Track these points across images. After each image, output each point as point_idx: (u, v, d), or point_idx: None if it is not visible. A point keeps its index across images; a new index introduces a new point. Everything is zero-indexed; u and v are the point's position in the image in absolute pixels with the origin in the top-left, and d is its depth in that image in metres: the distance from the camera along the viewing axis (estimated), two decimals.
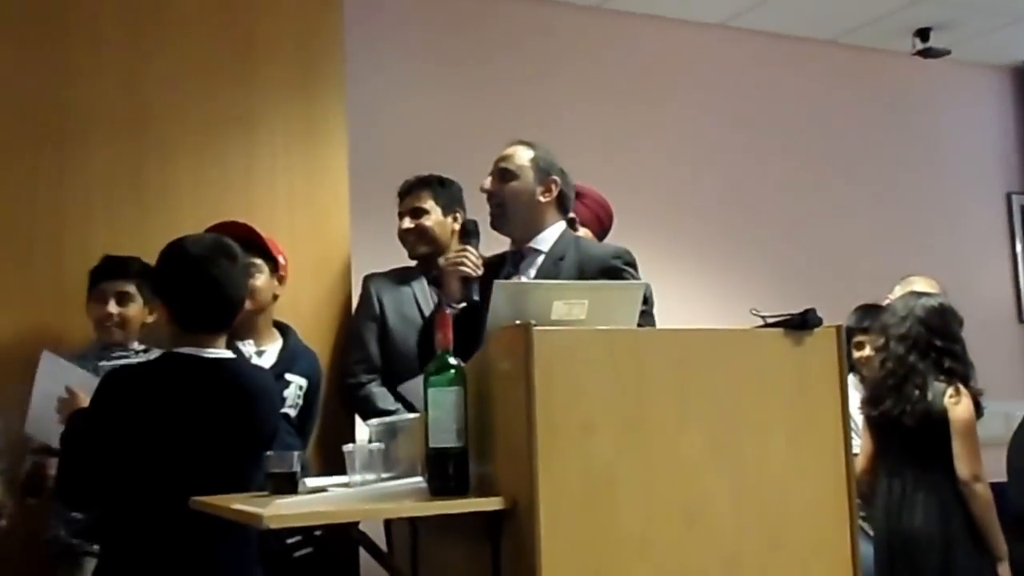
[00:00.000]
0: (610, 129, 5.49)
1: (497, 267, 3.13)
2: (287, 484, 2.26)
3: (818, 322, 2.33)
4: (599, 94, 5.52)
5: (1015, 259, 6.47)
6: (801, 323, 2.32)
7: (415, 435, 2.29)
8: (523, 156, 3.12)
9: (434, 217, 3.73)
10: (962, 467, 3.60)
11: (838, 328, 2.38)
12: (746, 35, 5.95)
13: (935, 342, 3.68)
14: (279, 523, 1.87)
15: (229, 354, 2.70)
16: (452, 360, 2.18)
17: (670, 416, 2.20)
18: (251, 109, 3.86)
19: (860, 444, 3.99)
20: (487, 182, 3.09)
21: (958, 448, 3.60)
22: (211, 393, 2.58)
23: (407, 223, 3.74)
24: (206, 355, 2.61)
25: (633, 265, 3.07)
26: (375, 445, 2.28)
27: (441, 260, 2.85)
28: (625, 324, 2.36)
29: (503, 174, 3.10)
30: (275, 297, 3.63)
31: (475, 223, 3.13)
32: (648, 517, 2.15)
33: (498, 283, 2.36)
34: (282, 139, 3.91)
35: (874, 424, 3.82)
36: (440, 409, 2.14)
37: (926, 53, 6.15)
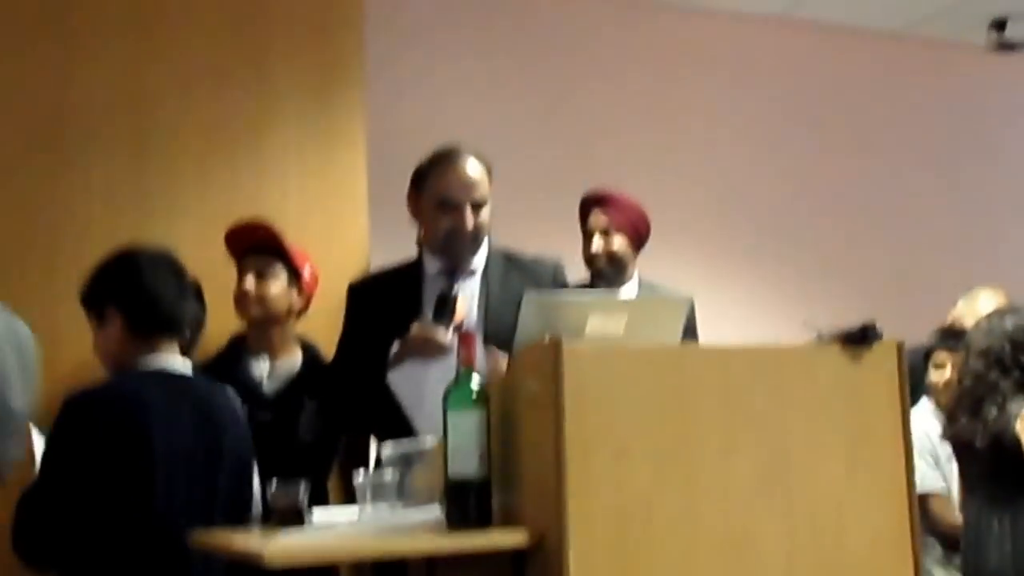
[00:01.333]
0: (655, 129, 5.45)
1: (399, 284, 3.13)
2: (293, 517, 2.23)
3: (878, 337, 2.29)
4: (643, 93, 5.48)
5: None
6: (860, 338, 2.28)
7: (433, 462, 2.26)
8: (487, 179, 3.10)
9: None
10: None
11: (899, 344, 2.33)
12: (806, 26, 5.88)
13: (1020, 359, 3.61)
14: (281, 563, 1.84)
15: (188, 368, 2.71)
16: (475, 380, 2.14)
17: (714, 441, 2.16)
18: (264, 111, 3.89)
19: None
20: (470, 222, 3.04)
21: None
22: (183, 414, 2.58)
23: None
24: (173, 370, 2.62)
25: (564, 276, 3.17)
26: (388, 473, 2.24)
27: (415, 337, 2.88)
28: (667, 341, 2.33)
29: (479, 206, 3.07)
30: (296, 312, 3.62)
31: (454, 298, 3.02)
32: (689, 553, 2.10)
33: (528, 296, 2.34)
34: (295, 142, 3.93)
35: (953, 449, 3.75)
36: (460, 435, 2.10)
37: (1002, 46, 6.02)
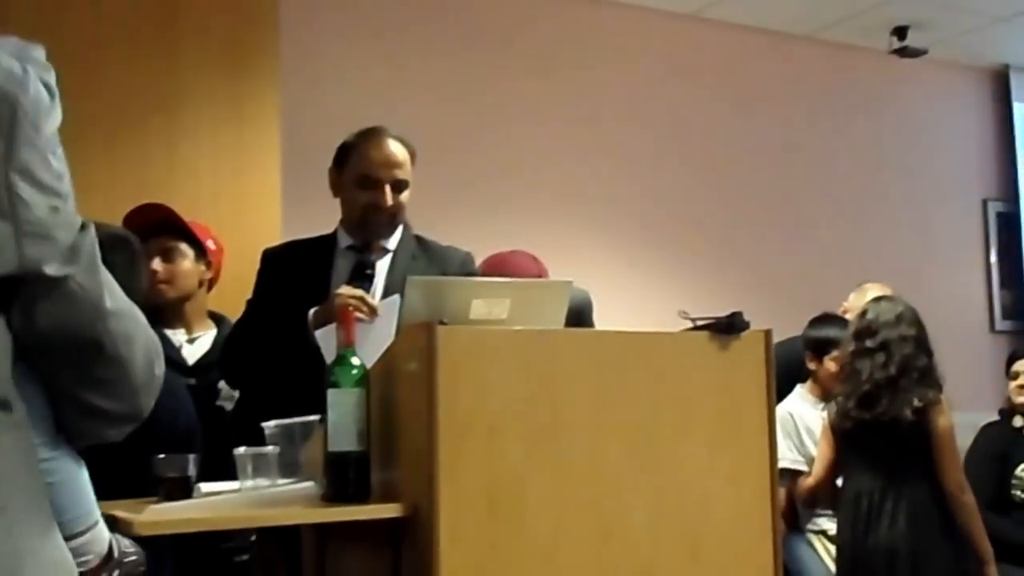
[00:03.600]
0: (573, 120, 5.46)
1: (311, 255, 3.10)
2: (179, 489, 2.20)
3: (745, 326, 2.32)
4: (563, 82, 5.49)
5: (988, 266, 6.48)
6: (727, 327, 2.31)
7: (316, 439, 2.25)
8: (409, 163, 3.09)
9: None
10: (949, 478, 3.61)
11: (767, 332, 2.36)
12: (716, 27, 5.93)
13: (929, 347, 3.69)
14: (150, 530, 1.84)
15: None
16: (355, 360, 2.14)
17: (586, 421, 2.18)
18: (175, 86, 3.84)
19: (817, 453, 4.00)
20: (389, 199, 3.04)
21: (945, 459, 3.60)
22: None
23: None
24: None
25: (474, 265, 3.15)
26: (268, 448, 2.24)
27: (341, 295, 2.84)
28: (551, 325, 2.33)
29: (400, 186, 3.07)
30: (205, 284, 3.59)
31: (374, 262, 3.06)
32: (558, 527, 2.12)
33: (412, 279, 2.33)
34: (208, 119, 3.89)
35: (846, 431, 3.79)
36: (340, 412, 2.11)
37: (903, 52, 6.18)
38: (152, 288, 3.45)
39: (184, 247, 3.51)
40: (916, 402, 3.59)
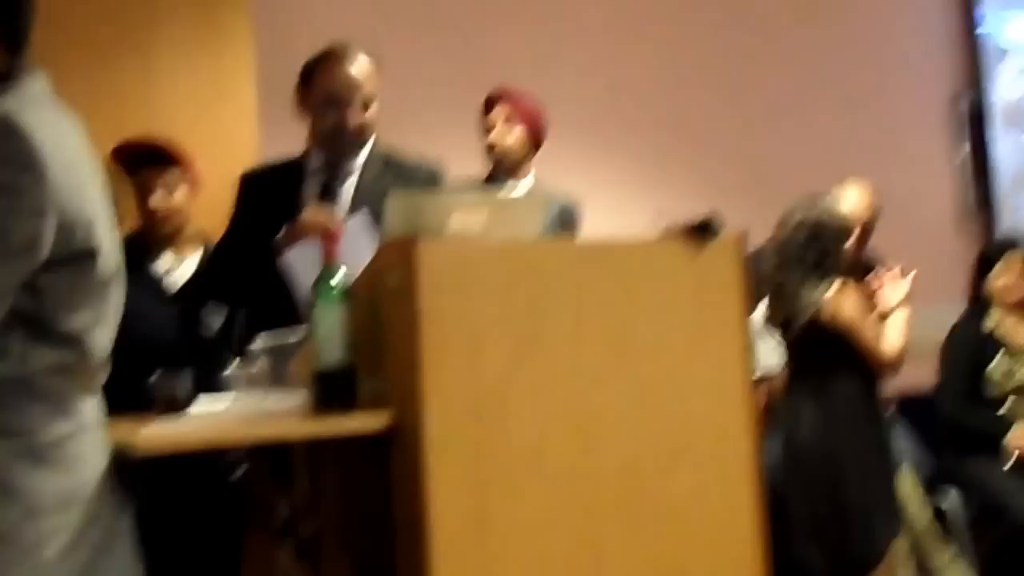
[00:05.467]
0: (546, 23, 5.38)
1: (284, 177, 3.09)
2: (173, 406, 2.25)
3: (717, 231, 2.32)
4: None
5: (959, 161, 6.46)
6: (701, 231, 2.32)
7: (304, 354, 2.28)
8: (375, 77, 3.05)
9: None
10: (883, 351, 3.48)
11: (739, 236, 2.37)
12: None
13: (809, 253, 3.55)
14: (149, 451, 1.86)
15: None
16: (337, 276, 2.17)
17: (565, 329, 2.20)
18: (149, 13, 3.80)
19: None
20: (355, 118, 3.00)
21: (863, 340, 3.46)
22: None
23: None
24: None
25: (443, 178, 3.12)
26: (259, 363, 2.27)
27: (306, 216, 2.86)
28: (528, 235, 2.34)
29: (365, 104, 3.03)
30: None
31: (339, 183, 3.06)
32: (541, 431, 2.15)
33: (394, 196, 2.33)
34: (183, 43, 3.85)
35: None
36: (326, 326, 2.14)
37: None
38: (149, 220, 3.50)
39: (179, 176, 3.51)
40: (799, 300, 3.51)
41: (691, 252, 2.32)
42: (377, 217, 2.60)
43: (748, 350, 2.36)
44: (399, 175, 3.07)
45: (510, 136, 3.83)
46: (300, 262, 2.79)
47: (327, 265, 2.18)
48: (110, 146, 3.46)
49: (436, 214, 2.23)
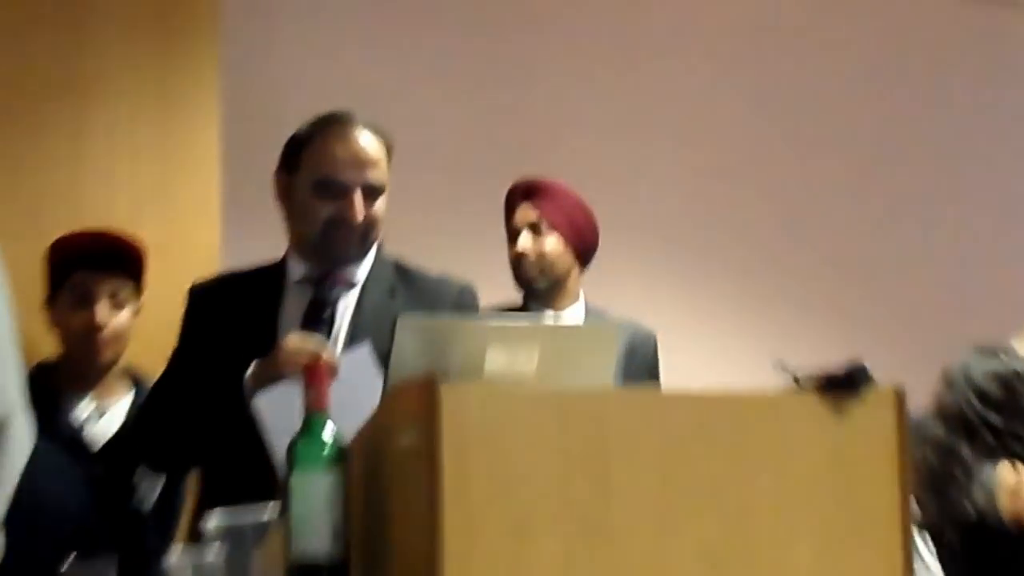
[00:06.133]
0: (612, 111, 5.52)
1: (254, 293, 3.12)
2: None
3: (869, 381, 2.28)
4: (596, 60, 5.54)
5: None
6: (845, 383, 2.26)
7: (274, 540, 2.23)
8: (385, 159, 3.11)
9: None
10: None
11: (898, 391, 2.31)
12: None
13: (988, 416, 3.60)
14: None
15: None
16: (327, 431, 2.14)
17: (647, 517, 2.14)
18: (81, 65, 3.90)
19: None
20: (359, 211, 3.03)
21: None
22: None
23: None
24: None
25: (476, 300, 3.19)
26: (213, 551, 2.24)
27: (286, 349, 2.86)
28: (592, 382, 2.32)
29: (373, 192, 3.07)
30: None
31: (334, 300, 3.09)
32: None
33: (405, 320, 2.33)
34: (127, 112, 3.96)
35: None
36: (307, 503, 2.09)
37: None
38: (85, 341, 3.60)
39: (132, 289, 3.65)
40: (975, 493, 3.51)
41: (831, 410, 2.27)
42: (385, 351, 2.57)
43: (908, 549, 2.28)
44: (416, 293, 3.10)
45: (544, 245, 3.92)
46: (275, 411, 2.79)
47: (313, 416, 2.16)
48: (26, 234, 3.59)
49: (468, 348, 2.21)
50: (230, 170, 4.07)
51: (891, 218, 5.94)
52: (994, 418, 3.56)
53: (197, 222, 4.00)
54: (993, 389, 3.62)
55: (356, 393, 2.56)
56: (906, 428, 2.31)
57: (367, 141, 3.07)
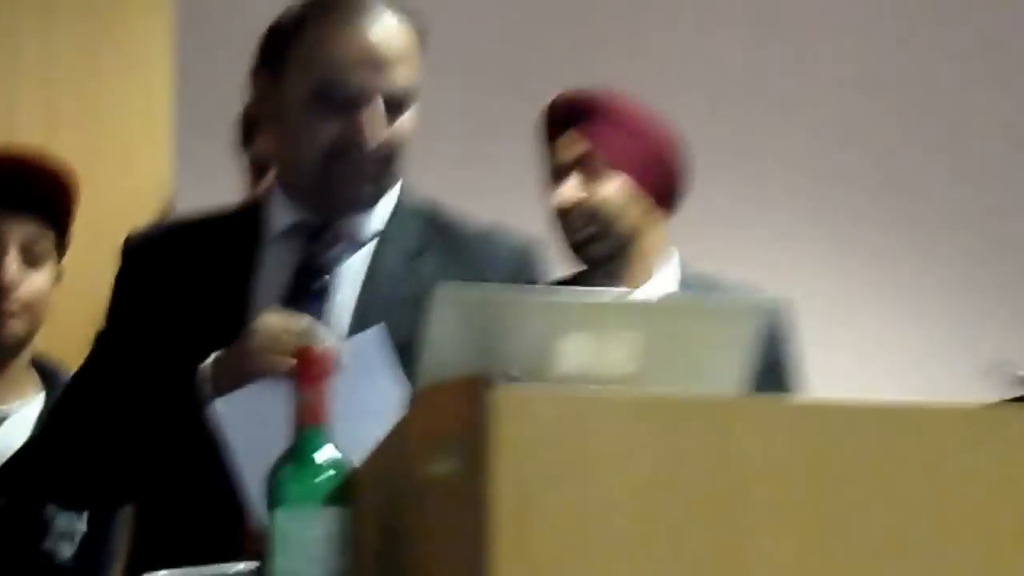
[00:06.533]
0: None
1: (216, 250, 3.03)
2: None
3: None
4: None
5: None
6: None
7: None
8: (414, 54, 2.98)
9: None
10: None
11: None
12: None
13: None
14: None
15: None
16: (323, 452, 2.13)
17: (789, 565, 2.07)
18: None
19: None
20: (377, 130, 2.91)
21: None
22: None
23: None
24: None
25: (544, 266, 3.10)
26: None
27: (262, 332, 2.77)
28: (720, 386, 2.27)
29: (397, 103, 2.95)
30: None
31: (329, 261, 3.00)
32: None
33: (442, 292, 2.21)
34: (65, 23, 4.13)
35: None
36: (296, 555, 2.09)
37: None
38: None
39: (50, 245, 3.60)
40: None
41: None
42: (408, 337, 2.52)
43: None
44: (457, 253, 3.02)
45: (600, 193, 3.77)
46: (243, 422, 2.75)
47: (304, 433, 2.14)
48: None
49: (535, 334, 2.15)
50: (185, 81, 4.15)
51: None
52: None
53: (140, 152, 4.10)
54: None
55: (364, 398, 2.58)
56: None
57: (388, 28, 2.94)
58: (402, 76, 2.93)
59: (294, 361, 2.50)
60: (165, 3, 4.21)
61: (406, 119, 2.95)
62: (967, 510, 2.17)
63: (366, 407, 2.50)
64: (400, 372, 2.66)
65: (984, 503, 2.17)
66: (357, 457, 2.17)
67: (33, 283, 3.55)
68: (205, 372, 2.79)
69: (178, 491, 2.83)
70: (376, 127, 2.90)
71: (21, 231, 3.52)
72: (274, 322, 2.78)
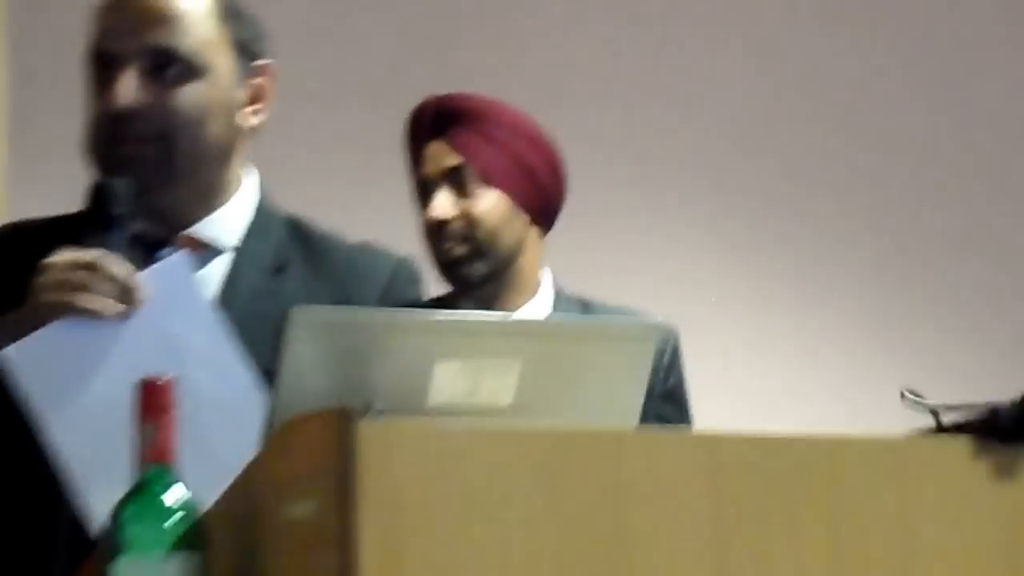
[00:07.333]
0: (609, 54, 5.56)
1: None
2: None
3: None
4: None
5: None
6: (1008, 427, 2.14)
7: None
8: (201, 15, 2.86)
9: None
10: None
11: None
12: None
13: None
14: None
15: None
16: (174, 491, 1.98)
17: None
18: None
19: None
20: (129, 84, 2.75)
21: None
22: None
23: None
24: None
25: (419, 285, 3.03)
26: None
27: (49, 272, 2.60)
28: (609, 416, 2.21)
29: (164, 62, 2.80)
30: None
31: (127, 188, 2.78)
32: None
33: (300, 314, 2.13)
34: None
35: None
36: None
37: None
38: None
39: None
40: None
41: (991, 467, 2.16)
42: (266, 361, 2.43)
43: None
44: (322, 268, 2.95)
45: (475, 207, 3.62)
46: (45, 369, 2.64)
47: (149, 471, 2.00)
48: None
49: (406, 360, 2.10)
50: (17, 76, 4.08)
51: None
52: None
53: None
54: None
55: (173, 328, 2.59)
56: None
57: None
58: (173, 36, 2.83)
59: (90, 297, 2.55)
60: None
61: (195, 86, 2.84)
62: (862, 541, 2.14)
63: (176, 340, 2.53)
64: (208, 302, 2.68)
65: (882, 534, 2.15)
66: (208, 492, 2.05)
67: None
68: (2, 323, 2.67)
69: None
70: (123, 89, 2.79)
71: None
72: (62, 257, 2.64)
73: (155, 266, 2.65)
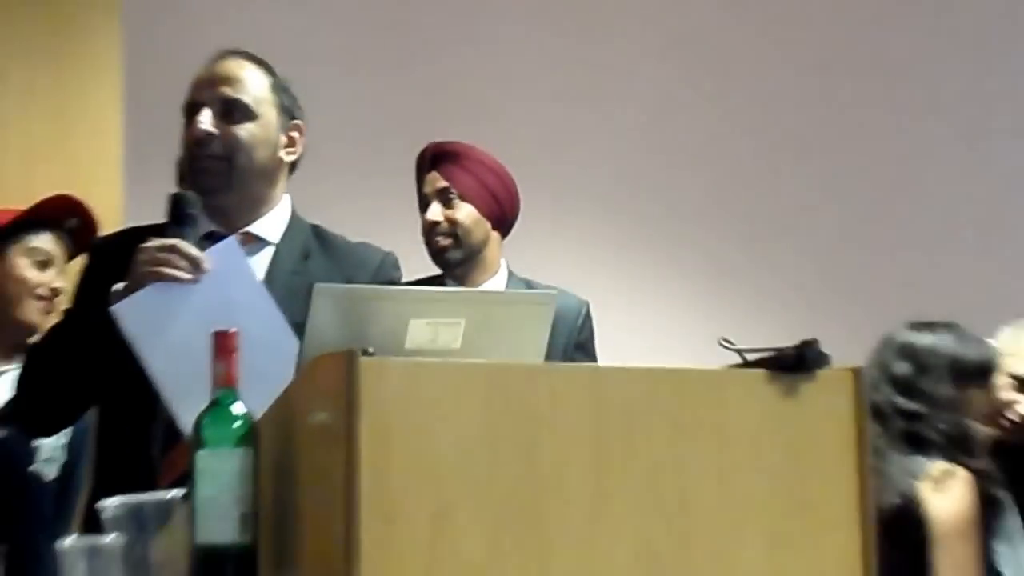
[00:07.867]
0: (540, 64, 5.68)
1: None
2: None
3: (823, 361, 2.34)
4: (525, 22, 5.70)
5: None
6: (796, 362, 2.32)
7: (178, 524, 2.30)
8: (259, 83, 3.27)
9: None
10: None
11: (855, 371, 2.37)
12: None
13: (898, 402, 3.76)
14: None
15: None
16: (237, 406, 2.21)
17: (579, 503, 2.19)
18: None
19: None
20: (206, 119, 3.18)
21: (941, 561, 3.62)
22: None
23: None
24: None
25: (399, 271, 3.39)
26: (110, 538, 2.28)
27: (144, 252, 2.98)
28: (528, 357, 2.41)
29: (230, 108, 3.22)
30: None
31: (196, 197, 3.18)
32: None
33: (321, 288, 2.40)
34: (20, 62, 4.03)
35: None
36: (215, 484, 2.16)
37: None
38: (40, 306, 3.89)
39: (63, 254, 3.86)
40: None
41: (781, 390, 2.31)
42: (298, 320, 2.61)
43: (868, 543, 2.32)
44: (334, 258, 3.27)
45: (457, 213, 4.18)
46: (146, 320, 2.94)
47: (220, 391, 2.22)
48: None
49: (389, 319, 2.29)
50: (132, 124, 4.15)
51: (847, 182, 6.03)
52: (900, 400, 3.72)
53: (97, 182, 4.04)
54: (905, 368, 3.79)
55: (230, 292, 2.91)
56: (865, 413, 2.37)
57: (226, 59, 3.27)
58: (234, 91, 3.22)
59: (171, 269, 2.91)
60: (115, 52, 4.19)
61: (249, 126, 3.21)
62: (691, 447, 2.27)
63: (232, 299, 2.81)
64: (253, 272, 3.02)
65: (702, 440, 2.28)
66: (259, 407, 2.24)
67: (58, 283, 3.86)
68: (116, 290, 3.00)
69: (117, 398, 3.05)
70: (203, 124, 3.17)
71: (48, 245, 3.83)
72: (152, 243, 3.02)
73: (215, 246, 3.01)
